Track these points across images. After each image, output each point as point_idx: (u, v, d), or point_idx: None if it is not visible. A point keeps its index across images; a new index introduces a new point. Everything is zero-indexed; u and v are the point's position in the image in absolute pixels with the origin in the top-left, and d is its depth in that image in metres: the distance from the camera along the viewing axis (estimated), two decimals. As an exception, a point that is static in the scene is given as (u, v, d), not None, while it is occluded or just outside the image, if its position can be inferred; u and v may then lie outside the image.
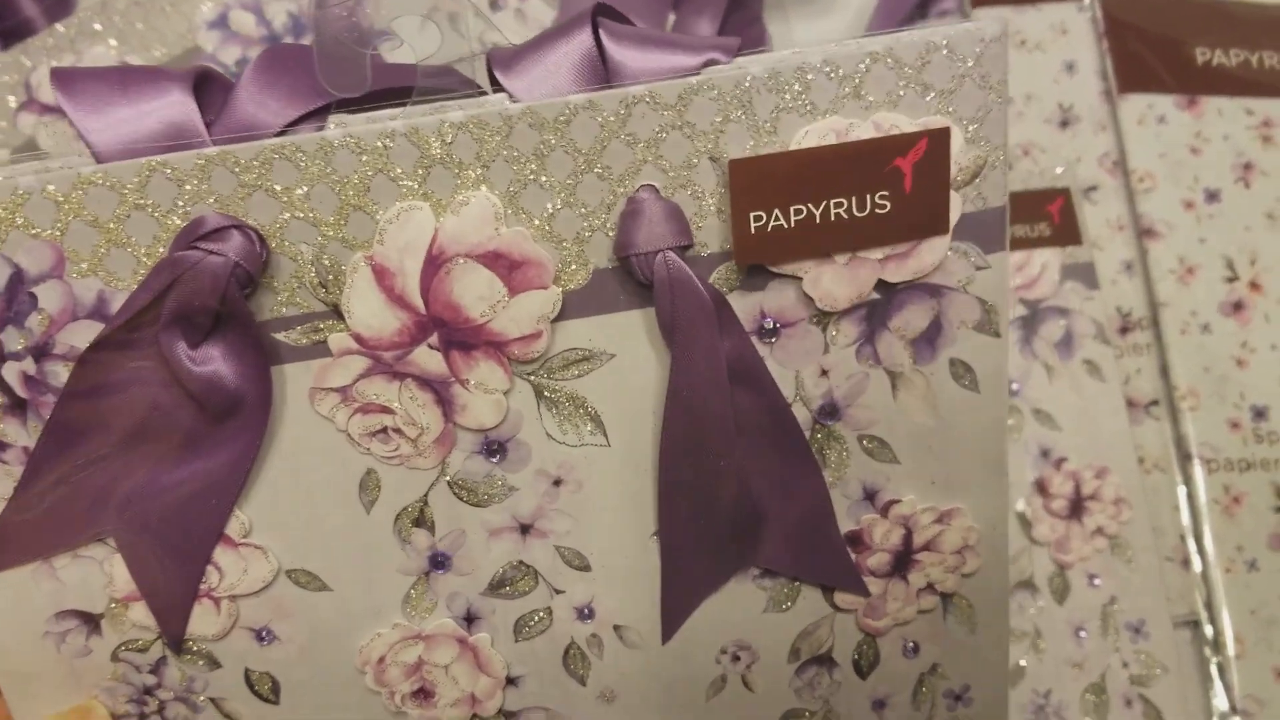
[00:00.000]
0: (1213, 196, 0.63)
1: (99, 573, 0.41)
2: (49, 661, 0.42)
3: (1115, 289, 0.62)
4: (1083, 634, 0.58)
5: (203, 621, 0.41)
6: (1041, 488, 0.59)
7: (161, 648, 0.42)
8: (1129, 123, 0.64)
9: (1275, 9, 0.67)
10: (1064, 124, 0.64)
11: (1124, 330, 0.62)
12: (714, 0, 0.59)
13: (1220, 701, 0.59)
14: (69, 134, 0.52)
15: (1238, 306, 0.62)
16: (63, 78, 0.36)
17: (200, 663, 0.42)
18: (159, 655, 0.42)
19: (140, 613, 0.41)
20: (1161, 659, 0.59)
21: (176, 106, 0.36)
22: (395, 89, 0.38)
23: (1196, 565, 0.60)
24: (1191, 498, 0.61)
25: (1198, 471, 0.61)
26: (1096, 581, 0.59)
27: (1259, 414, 0.61)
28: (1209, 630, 0.60)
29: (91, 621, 0.42)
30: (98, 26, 0.55)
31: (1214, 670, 0.59)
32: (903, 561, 0.44)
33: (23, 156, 0.36)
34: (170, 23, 0.54)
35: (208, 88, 0.37)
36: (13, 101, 0.52)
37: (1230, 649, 0.59)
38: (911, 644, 0.45)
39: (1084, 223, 0.62)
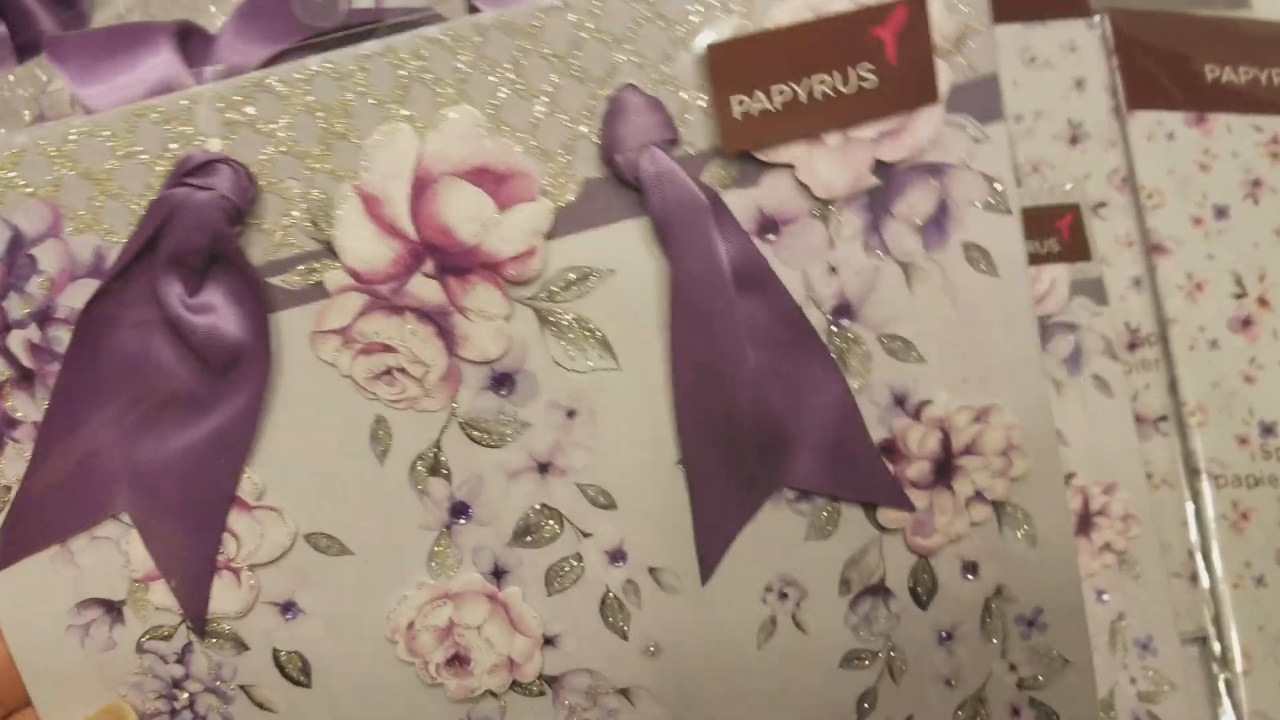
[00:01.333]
0: (1221, 213, 0.63)
1: (117, 553, 0.40)
2: (74, 659, 0.41)
3: (1124, 305, 0.63)
4: None
5: (224, 598, 0.40)
6: (1051, 503, 0.58)
7: (186, 633, 0.41)
8: (1138, 139, 0.64)
9: (1284, 27, 0.67)
10: (1073, 140, 0.64)
11: (1132, 346, 0.63)
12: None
13: (1229, 718, 0.58)
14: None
15: (1246, 323, 0.62)
16: (54, 45, 0.37)
17: (227, 646, 0.41)
18: (184, 642, 0.41)
19: (161, 593, 0.40)
20: (1169, 675, 0.57)
21: (165, 64, 0.37)
22: (369, 24, 0.39)
23: (1205, 581, 0.60)
24: (1199, 513, 0.60)
25: (1206, 487, 0.60)
26: (1105, 597, 0.58)
27: (1267, 430, 0.61)
28: (1217, 647, 0.59)
29: (114, 609, 0.41)
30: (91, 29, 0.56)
31: (1222, 687, 0.58)
32: (944, 469, 0.41)
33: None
34: (161, 21, 0.56)
35: (191, 41, 0.38)
36: (27, 116, 0.53)
37: (1238, 665, 0.58)
38: (970, 564, 0.43)
39: (1093, 239, 0.62)
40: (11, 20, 0.47)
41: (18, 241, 0.37)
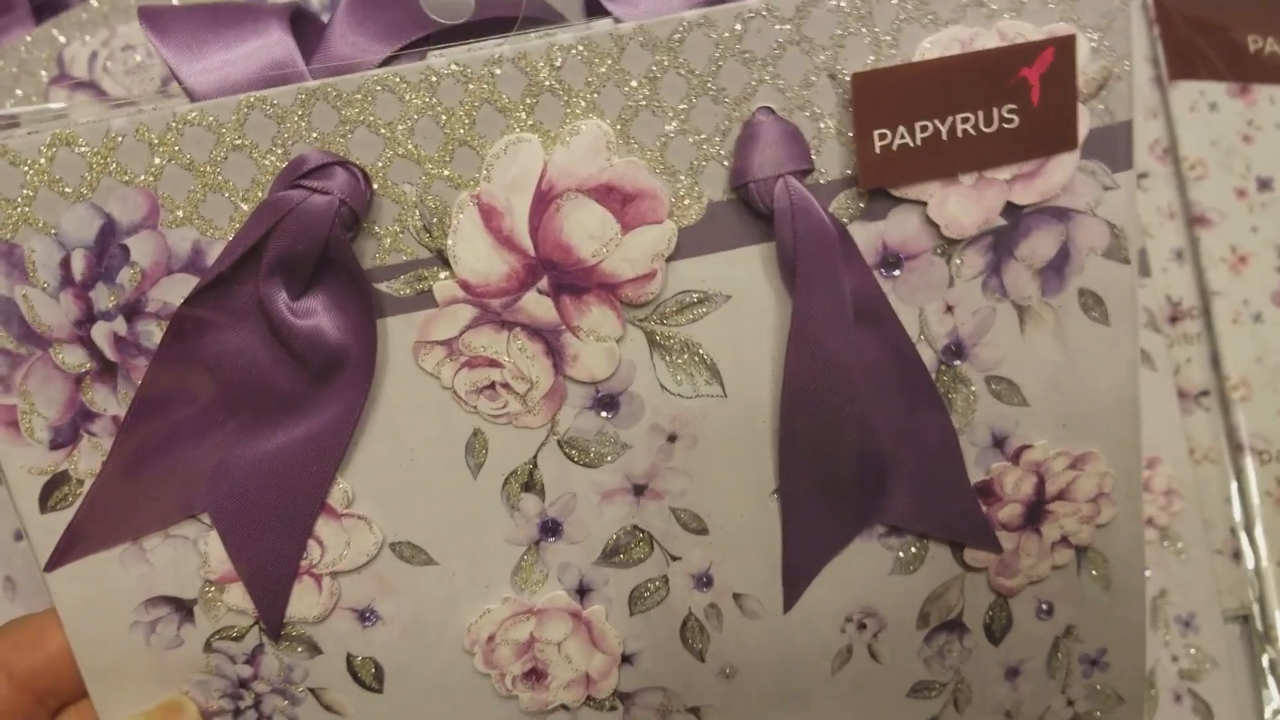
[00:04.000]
0: (1265, 185, 0.62)
1: (193, 553, 0.38)
2: (137, 654, 0.39)
3: (1166, 277, 0.61)
4: None
5: (303, 602, 0.39)
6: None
7: (258, 635, 0.40)
8: (1180, 110, 0.62)
9: (1327, -3, 0.66)
10: None
11: (1174, 319, 0.61)
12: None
13: (1272, 696, 0.57)
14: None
15: None
16: (152, 16, 0.34)
17: (299, 649, 0.40)
18: (255, 643, 0.40)
19: (237, 595, 0.39)
20: (1212, 654, 0.57)
21: (276, 46, 0.35)
22: (492, 24, 0.36)
23: (1248, 559, 0.59)
24: (1243, 490, 0.59)
25: (1249, 463, 0.59)
26: (1146, 573, 0.56)
27: None
28: (1260, 625, 0.58)
29: (184, 609, 0.39)
30: (132, 1, 0.53)
31: (1265, 665, 0.58)
32: (1035, 513, 0.41)
33: (118, 101, 0.35)
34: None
35: (301, 26, 0.36)
36: (45, 76, 0.51)
37: None
38: (1045, 605, 0.43)
39: (1136, 210, 0.60)
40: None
41: (110, 230, 0.35)
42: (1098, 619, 0.43)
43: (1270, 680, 0.57)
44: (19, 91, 0.49)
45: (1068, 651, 0.44)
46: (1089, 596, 0.43)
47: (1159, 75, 0.62)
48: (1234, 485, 0.59)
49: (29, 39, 0.51)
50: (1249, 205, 0.62)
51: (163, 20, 0.35)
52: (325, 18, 0.37)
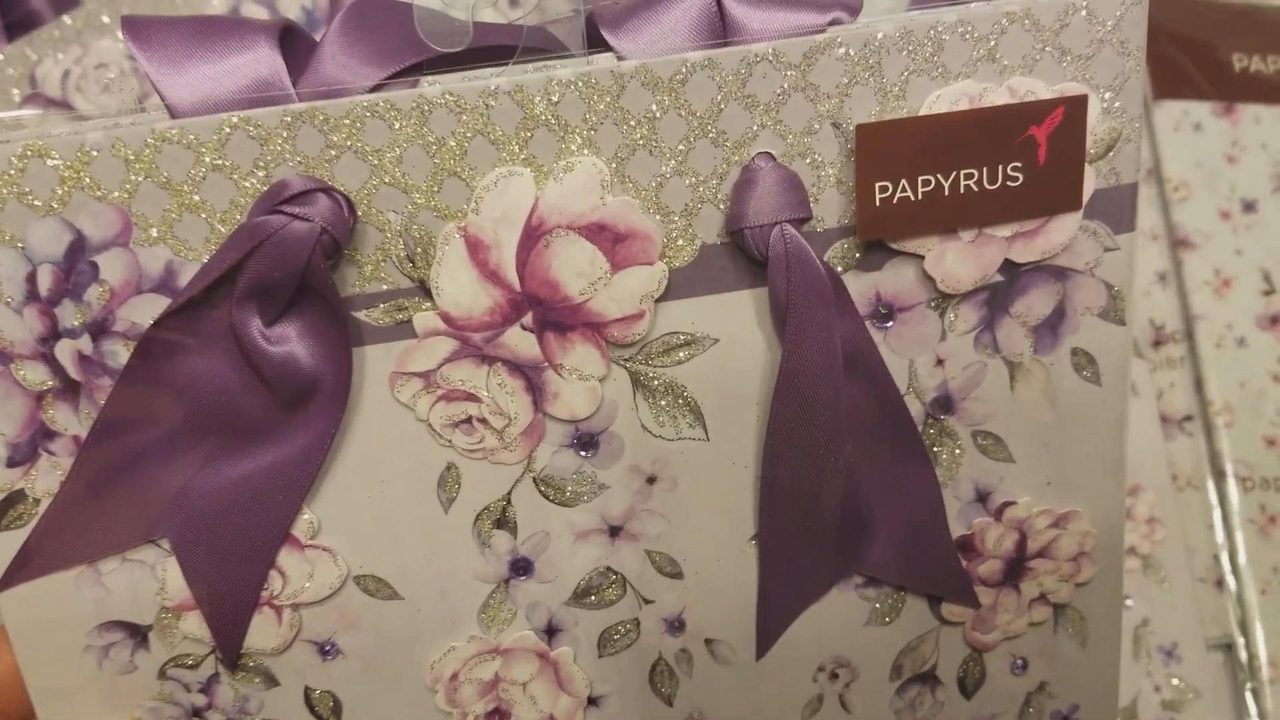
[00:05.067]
0: (1250, 207, 0.61)
1: (150, 579, 0.37)
2: (89, 678, 0.38)
3: (1149, 301, 0.60)
4: None
5: (262, 633, 0.38)
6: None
7: (214, 663, 0.38)
8: (1164, 130, 0.61)
9: (1314, 15, 0.65)
10: None
11: (1157, 343, 0.60)
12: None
13: None
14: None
15: (1275, 320, 0.60)
16: (135, 27, 0.33)
17: (256, 680, 0.39)
18: (211, 672, 0.39)
19: (193, 624, 0.38)
20: (1194, 683, 0.56)
21: (264, 63, 0.34)
22: (488, 51, 0.35)
23: (1231, 586, 0.58)
24: (1225, 516, 0.59)
25: (1232, 489, 0.59)
26: (1128, 602, 0.57)
27: None
28: (1243, 654, 0.57)
29: (139, 634, 0.38)
30: (105, 19, 0.52)
31: (1248, 695, 0.57)
32: (1015, 569, 0.41)
33: (91, 115, 0.33)
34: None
35: (290, 44, 0.34)
36: (17, 95, 0.50)
37: (1265, 673, 0.57)
38: (1020, 660, 0.42)
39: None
40: (4, -3, 0.43)
41: (80, 246, 0.34)
42: (1072, 676, 0.43)
43: (1253, 710, 0.57)
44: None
45: (1040, 707, 0.43)
46: (1064, 654, 0.42)
47: (1143, 94, 0.62)
48: (1217, 512, 0.59)
49: (0, 56, 0.50)
50: (1233, 227, 0.61)
51: (146, 31, 0.33)
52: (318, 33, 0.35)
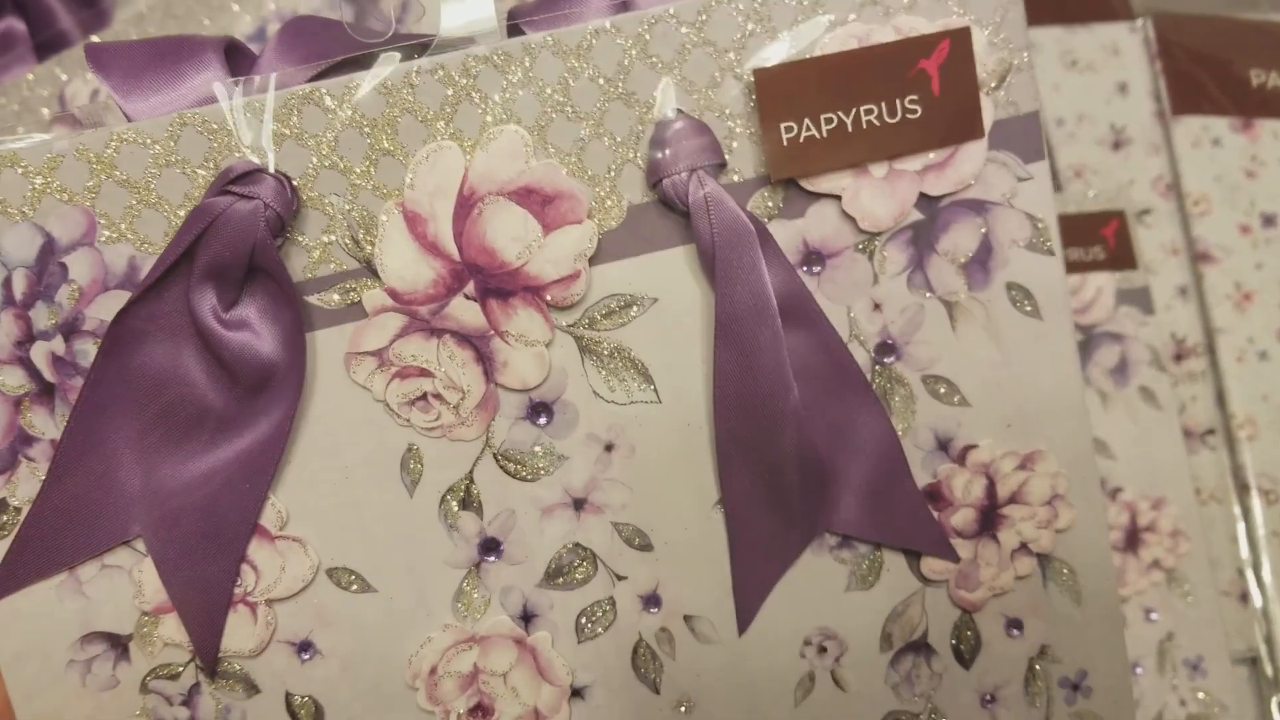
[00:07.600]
0: (1269, 221, 0.62)
1: (127, 583, 0.38)
2: (73, 697, 0.38)
3: (1170, 314, 0.61)
4: (1139, 670, 0.55)
5: (238, 634, 0.38)
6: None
7: (195, 673, 0.39)
8: (1183, 145, 0.63)
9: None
10: (1116, 146, 0.63)
11: (1179, 357, 0.60)
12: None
13: None
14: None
15: None
16: (96, 53, 0.37)
17: (237, 688, 0.39)
18: (192, 682, 0.39)
19: (171, 628, 0.38)
20: (1220, 697, 0.55)
21: (213, 80, 0.37)
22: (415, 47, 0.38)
23: (1256, 600, 0.57)
24: (1250, 530, 0.58)
25: (1256, 503, 0.58)
26: (1153, 616, 0.56)
27: None
28: (1269, 668, 0.56)
29: (120, 645, 0.38)
30: (134, 39, 0.55)
31: (1274, 709, 0.56)
32: (989, 518, 0.40)
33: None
34: (207, 35, 0.55)
35: (236, 59, 0.38)
36: (46, 114, 0.52)
37: None
38: (1014, 621, 0.41)
39: (1139, 246, 0.60)
40: (31, 18, 0.46)
41: (50, 248, 0.36)
42: (1073, 637, 0.41)
43: None
44: (20, 129, 0.51)
45: (1045, 675, 0.41)
46: (1059, 612, 0.41)
47: (1161, 110, 0.63)
48: (1240, 525, 0.58)
49: (31, 76, 0.52)
50: (1253, 241, 0.61)
51: (105, 56, 0.37)
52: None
